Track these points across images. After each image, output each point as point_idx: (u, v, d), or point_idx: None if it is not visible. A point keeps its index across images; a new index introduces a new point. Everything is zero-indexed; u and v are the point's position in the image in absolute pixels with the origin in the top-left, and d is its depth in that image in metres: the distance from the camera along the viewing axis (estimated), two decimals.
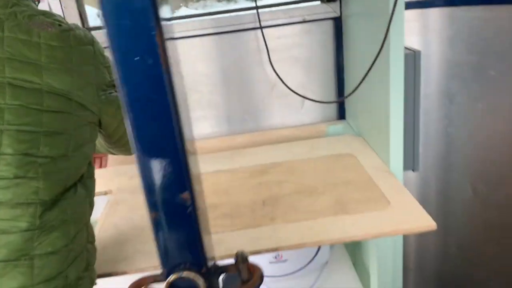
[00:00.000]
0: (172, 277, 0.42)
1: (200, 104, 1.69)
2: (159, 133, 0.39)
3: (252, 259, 0.84)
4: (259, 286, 0.49)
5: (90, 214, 0.82)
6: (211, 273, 0.45)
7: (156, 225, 0.41)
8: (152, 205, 0.41)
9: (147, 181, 0.40)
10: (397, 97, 1.22)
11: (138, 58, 0.35)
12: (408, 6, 1.51)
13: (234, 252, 0.89)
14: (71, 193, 0.73)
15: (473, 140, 1.66)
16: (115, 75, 0.38)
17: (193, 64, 1.63)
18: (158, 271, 0.47)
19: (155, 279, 0.48)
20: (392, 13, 1.11)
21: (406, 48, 1.32)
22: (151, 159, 0.39)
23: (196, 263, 0.43)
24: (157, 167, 0.39)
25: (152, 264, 1.01)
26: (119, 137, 0.90)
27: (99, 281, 0.89)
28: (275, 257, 1.56)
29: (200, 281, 0.42)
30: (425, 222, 1.02)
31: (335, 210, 1.12)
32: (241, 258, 0.50)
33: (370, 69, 1.22)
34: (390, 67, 1.20)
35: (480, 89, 1.58)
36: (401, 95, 1.22)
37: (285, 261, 1.58)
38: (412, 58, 1.28)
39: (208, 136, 1.72)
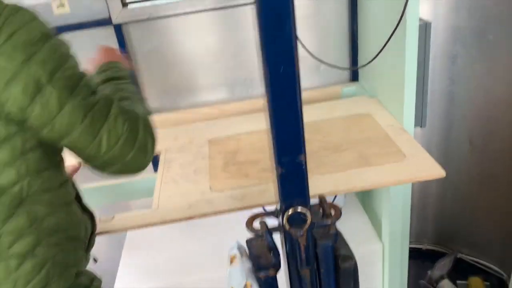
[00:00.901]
0: (290, 211, 0.63)
1: (228, 69, 1.86)
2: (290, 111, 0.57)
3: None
4: (338, 218, 0.70)
5: None
6: (311, 209, 0.66)
7: (281, 177, 0.61)
8: (279, 163, 0.60)
9: (278, 146, 0.60)
10: (411, 64, 1.40)
11: None
12: None
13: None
14: None
15: (472, 98, 1.87)
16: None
17: (221, 36, 1.79)
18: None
19: (266, 214, 0.69)
20: None
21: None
22: (286, 127, 0.58)
23: (305, 203, 0.64)
24: (287, 138, 0.58)
25: (212, 210, 1.22)
26: None
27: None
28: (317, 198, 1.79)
29: (308, 213, 0.63)
30: (436, 171, 1.24)
31: (359, 163, 1.34)
32: (324, 199, 0.71)
33: (388, 40, 1.39)
34: (406, 38, 1.37)
35: (479, 52, 1.78)
36: (414, 62, 1.40)
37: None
38: (424, 29, 1.45)
39: (238, 99, 1.89)
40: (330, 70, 1.91)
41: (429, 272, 2.12)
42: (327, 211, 0.70)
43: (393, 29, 1.34)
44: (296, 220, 0.64)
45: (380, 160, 1.33)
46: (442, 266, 2.14)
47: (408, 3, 1.30)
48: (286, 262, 0.69)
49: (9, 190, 0.73)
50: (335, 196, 1.84)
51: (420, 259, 2.27)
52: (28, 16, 0.73)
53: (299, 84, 0.54)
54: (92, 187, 1.47)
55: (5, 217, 0.73)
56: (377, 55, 1.46)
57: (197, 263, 1.63)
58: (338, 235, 0.73)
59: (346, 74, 1.94)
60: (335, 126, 1.59)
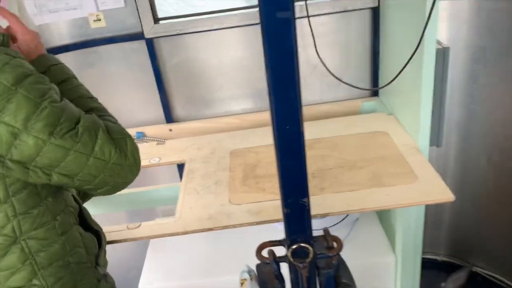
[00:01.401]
0: (294, 246, 0.71)
1: (251, 81, 1.94)
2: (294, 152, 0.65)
3: None
4: (340, 250, 0.77)
5: None
6: (313, 242, 0.74)
7: (286, 216, 0.69)
8: (285, 204, 0.68)
9: (284, 190, 0.67)
10: (427, 87, 1.45)
11: None
12: None
13: None
14: None
15: (491, 116, 1.90)
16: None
17: (245, 51, 1.87)
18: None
19: (276, 244, 0.77)
20: (428, 18, 1.32)
21: (437, 42, 1.52)
22: (292, 176, 0.66)
23: (307, 238, 0.71)
24: (292, 184, 0.66)
25: (229, 223, 1.31)
26: None
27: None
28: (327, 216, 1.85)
29: (310, 249, 0.71)
30: (445, 195, 1.29)
31: (372, 183, 1.40)
32: (327, 232, 0.78)
33: (406, 64, 1.44)
34: (423, 62, 1.42)
35: (501, 71, 1.79)
36: (431, 86, 1.45)
37: (322, 218, 1.88)
38: (442, 53, 1.48)
39: (260, 110, 1.97)
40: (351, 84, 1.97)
41: (443, 284, 2.16)
42: (330, 243, 0.77)
43: (412, 51, 1.39)
44: (300, 254, 0.72)
45: (393, 181, 1.39)
46: (456, 279, 2.18)
47: (427, 27, 1.34)
48: None
49: (1, 231, 0.82)
50: None
51: (435, 270, 2.31)
52: (0, 63, 0.75)
53: (303, 140, 0.62)
54: (120, 193, 1.58)
55: (0, 256, 0.83)
56: (395, 77, 1.51)
57: (214, 267, 1.73)
58: (340, 264, 0.81)
59: (367, 87, 1.99)
60: (351, 143, 1.65)
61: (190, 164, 1.65)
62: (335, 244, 0.78)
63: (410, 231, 1.66)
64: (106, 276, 1.09)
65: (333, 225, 1.90)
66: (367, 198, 1.33)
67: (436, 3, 1.31)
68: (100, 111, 0.93)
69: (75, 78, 0.99)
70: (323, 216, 1.32)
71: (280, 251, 0.80)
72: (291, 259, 0.72)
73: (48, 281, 0.89)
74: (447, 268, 2.27)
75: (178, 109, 1.98)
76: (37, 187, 0.85)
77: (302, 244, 0.71)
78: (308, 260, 0.71)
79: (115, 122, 0.93)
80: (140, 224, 1.36)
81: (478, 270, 2.21)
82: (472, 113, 1.92)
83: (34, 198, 0.85)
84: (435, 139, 1.62)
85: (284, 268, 0.81)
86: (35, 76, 0.78)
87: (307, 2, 1.73)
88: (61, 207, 0.92)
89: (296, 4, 1.78)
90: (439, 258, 2.34)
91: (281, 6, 0.52)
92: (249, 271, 0.81)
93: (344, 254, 1.82)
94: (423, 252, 2.30)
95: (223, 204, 1.39)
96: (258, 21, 1.73)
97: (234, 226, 1.30)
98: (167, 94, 1.94)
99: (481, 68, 1.81)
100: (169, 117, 1.96)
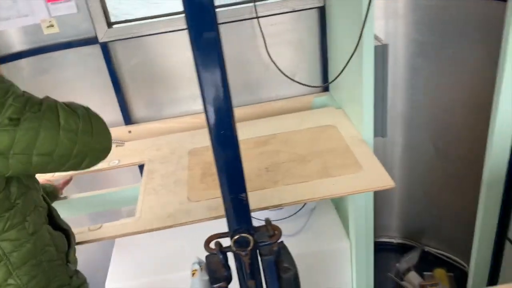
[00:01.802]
0: (236, 236, 0.79)
1: None
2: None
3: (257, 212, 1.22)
4: (279, 237, 0.86)
5: None
6: (253, 232, 0.82)
7: (227, 210, 0.77)
8: (225, 199, 0.76)
9: (223, 187, 0.75)
10: (368, 80, 1.55)
11: None
12: None
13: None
14: None
15: (434, 106, 2.04)
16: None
17: None
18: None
19: (221, 235, 0.85)
20: (366, 17, 1.42)
21: (377, 39, 1.63)
22: (229, 175, 0.74)
23: (247, 228, 0.80)
24: (230, 179, 0.74)
25: (188, 220, 1.38)
26: None
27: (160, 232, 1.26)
28: (280, 207, 1.94)
29: (250, 238, 0.79)
30: (386, 182, 1.41)
31: (321, 174, 1.50)
32: (268, 221, 0.87)
33: (348, 61, 1.55)
34: (363, 58, 1.52)
35: (440, 63, 1.93)
36: (371, 79, 1.55)
37: (281, 209, 1.97)
38: (381, 50, 1.59)
39: None
40: (303, 81, 2.06)
41: (397, 265, 2.30)
42: (271, 232, 0.86)
43: (354, 47, 1.49)
44: (242, 243, 0.80)
45: (340, 171, 1.49)
46: (410, 259, 2.33)
47: (365, 26, 1.45)
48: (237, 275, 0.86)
49: None
50: None
51: (391, 252, 2.45)
52: None
53: (237, 142, 0.70)
54: (82, 196, 1.62)
55: None
56: (339, 74, 1.62)
57: (176, 262, 1.78)
58: (281, 250, 0.89)
59: (318, 83, 2.09)
60: (302, 138, 1.74)
61: (149, 165, 1.70)
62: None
63: (361, 217, 1.77)
64: (77, 272, 1.15)
65: (291, 215, 2.00)
66: (316, 188, 1.43)
67: (372, 2, 1.41)
68: None
69: None
70: (277, 207, 1.41)
71: (227, 242, 0.88)
72: (234, 249, 0.80)
73: (23, 280, 0.94)
74: (402, 250, 2.42)
75: (137, 111, 2.03)
76: (8, 192, 0.90)
77: (243, 234, 0.79)
78: (249, 248, 0.79)
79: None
80: (102, 226, 1.41)
81: (430, 249, 2.37)
82: (415, 104, 2.05)
83: (5, 203, 0.90)
84: (380, 130, 1.73)
85: (232, 257, 0.89)
86: None
87: (256, 3, 1.81)
88: (31, 208, 0.97)
89: (246, 5, 1.86)
90: (394, 240, 2.48)
91: (206, 28, 0.59)
92: (199, 262, 0.89)
93: (301, 242, 1.93)
94: (379, 236, 2.45)
95: (182, 202, 1.46)
96: None
97: (192, 222, 1.37)
98: (125, 96, 1.98)
99: (422, 61, 1.94)
100: (128, 119, 2.00)
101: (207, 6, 0.58)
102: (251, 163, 1.62)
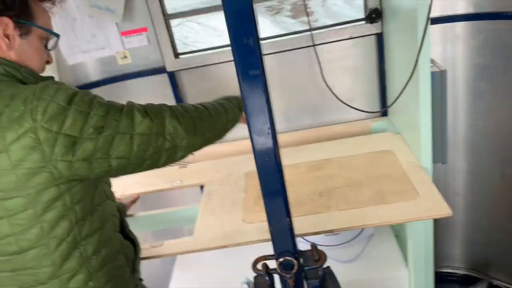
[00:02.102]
0: (281, 259, 0.83)
1: None
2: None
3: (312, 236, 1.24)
4: (324, 262, 0.88)
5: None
6: (299, 256, 0.85)
7: (272, 233, 0.82)
8: (270, 222, 0.81)
9: (268, 212, 0.80)
10: (425, 105, 1.53)
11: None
12: (435, 21, 1.80)
13: (301, 232, 1.30)
14: None
15: (499, 131, 1.95)
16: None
17: None
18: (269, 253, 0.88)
19: (268, 258, 0.89)
20: (422, 43, 1.42)
21: (435, 65, 1.62)
22: (273, 200, 0.79)
23: (292, 252, 0.83)
24: (275, 204, 0.79)
25: (241, 241, 1.43)
26: None
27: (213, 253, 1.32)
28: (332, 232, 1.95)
29: (295, 261, 0.82)
30: (444, 210, 1.37)
31: (376, 200, 1.49)
32: (314, 246, 0.90)
33: (405, 87, 1.55)
34: (419, 83, 1.51)
35: (504, 88, 1.86)
36: (428, 104, 1.53)
37: (337, 234, 1.97)
38: (439, 76, 1.58)
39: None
40: (362, 106, 2.07)
41: None
42: (316, 256, 0.89)
43: (410, 73, 1.49)
44: (287, 266, 0.84)
45: (395, 198, 1.48)
46: None
47: (421, 51, 1.44)
48: None
49: (65, 239, 0.96)
50: None
51: (455, 284, 2.34)
52: (53, 90, 0.89)
53: (281, 168, 0.74)
54: (146, 214, 1.74)
55: (63, 260, 0.97)
56: (396, 100, 1.61)
57: (230, 280, 1.82)
58: (327, 275, 0.92)
59: (376, 108, 2.09)
60: (359, 163, 1.75)
61: (208, 186, 1.79)
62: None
63: (421, 245, 1.72)
64: (141, 280, 1.25)
65: (348, 241, 1.99)
66: (370, 214, 1.43)
67: (428, 27, 1.41)
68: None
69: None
70: (329, 232, 1.42)
71: (275, 264, 0.92)
72: (279, 271, 0.84)
73: (100, 283, 1.03)
74: (467, 282, 2.29)
75: None
76: (92, 196, 0.99)
77: (287, 258, 0.82)
78: (294, 271, 0.83)
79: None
80: (163, 243, 1.51)
81: (498, 283, 2.23)
82: (478, 129, 1.98)
83: (89, 206, 0.99)
84: (440, 156, 1.69)
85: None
86: (81, 93, 0.93)
87: (313, 32, 1.86)
88: (108, 214, 1.06)
89: (303, 34, 1.92)
90: (458, 272, 2.37)
91: (252, 66, 0.66)
92: (248, 282, 0.93)
93: (358, 268, 1.91)
94: (441, 267, 2.35)
95: (237, 223, 1.52)
96: (273, 50, 1.86)
97: (246, 243, 1.43)
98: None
99: (484, 85, 1.88)
100: None
101: (252, 48, 0.64)
102: (305, 187, 1.65)
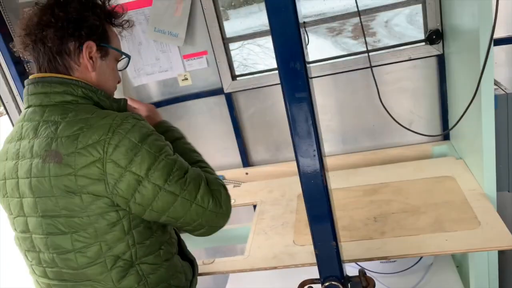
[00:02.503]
0: (326, 283, 0.81)
1: (322, 127, 2.07)
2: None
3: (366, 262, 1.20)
4: None
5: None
6: (345, 281, 0.84)
7: (317, 256, 0.81)
8: (316, 245, 0.80)
9: (314, 235, 0.79)
10: (488, 130, 1.45)
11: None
12: (500, 42, 1.72)
13: (353, 258, 1.28)
14: None
15: None
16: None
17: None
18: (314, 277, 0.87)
19: (314, 281, 0.88)
20: (484, 65, 1.36)
21: (499, 87, 1.54)
22: (319, 223, 0.78)
23: (339, 276, 0.82)
24: (320, 228, 0.78)
25: (291, 263, 1.42)
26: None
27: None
28: (385, 259, 1.88)
29: (341, 287, 0.81)
30: (507, 242, 1.28)
31: (433, 227, 1.43)
32: (362, 272, 0.87)
33: (466, 110, 1.48)
34: (482, 107, 1.44)
35: None
36: (492, 129, 1.45)
37: (394, 261, 1.90)
38: (505, 99, 1.49)
39: (329, 154, 2.08)
40: (422, 129, 2.00)
41: None
42: (364, 283, 0.86)
43: (472, 95, 1.42)
44: None
45: (454, 226, 1.41)
46: None
47: (484, 73, 1.38)
48: None
49: (122, 257, 1.00)
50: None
51: None
52: (130, 125, 0.95)
53: (327, 191, 0.74)
54: None
55: (120, 277, 1.01)
56: (456, 123, 1.54)
57: None
58: None
59: (437, 132, 2.01)
60: (417, 188, 1.68)
61: (261, 206, 1.80)
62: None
63: (484, 279, 1.61)
64: None
65: (406, 269, 1.91)
66: (426, 242, 1.36)
67: (491, 48, 1.35)
68: (202, 163, 1.15)
69: (184, 138, 1.24)
70: (382, 259, 1.38)
71: None
72: None
73: None
74: None
75: (254, 154, 2.17)
76: (150, 222, 1.04)
77: (333, 282, 0.81)
78: None
79: (212, 173, 1.14)
80: (214, 260, 1.53)
81: None
82: None
83: (148, 231, 1.03)
84: (506, 183, 1.59)
85: None
86: (155, 135, 1.00)
87: (372, 54, 1.84)
88: (166, 238, 1.10)
89: (361, 56, 1.91)
90: None
91: (298, 89, 0.67)
92: None
93: None
94: None
95: (288, 245, 1.51)
96: (330, 72, 1.86)
97: (296, 265, 1.41)
98: (244, 140, 2.14)
99: None
100: (246, 162, 2.15)
101: (299, 71, 0.65)
102: (359, 211, 1.61)
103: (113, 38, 1.11)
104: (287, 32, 0.64)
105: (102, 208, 0.95)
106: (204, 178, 1.05)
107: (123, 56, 1.16)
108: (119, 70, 1.17)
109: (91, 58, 1.04)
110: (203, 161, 1.18)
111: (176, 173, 0.99)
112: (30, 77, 1.04)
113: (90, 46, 1.03)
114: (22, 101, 1.70)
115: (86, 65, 1.04)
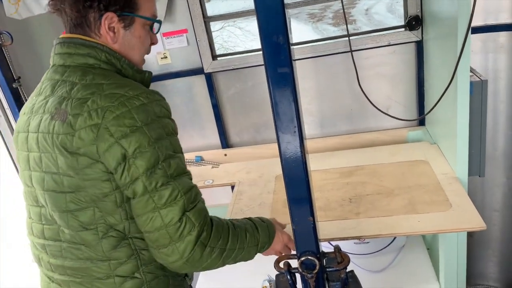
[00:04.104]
0: (302, 258, 0.83)
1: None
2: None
3: (341, 242, 1.23)
4: (347, 265, 0.88)
5: None
6: (321, 256, 0.85)
7: (295, 232, 0.82)
8: (293, 221, 0.81)
9: (292, 210, 0.80)
10: (462, 116, 1.49)
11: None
12: (477, 30, 1.75)
13: (328, 237, 1.30)
14: None
15: None
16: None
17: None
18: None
19: (290, 257, 0.89)
20: (461, 53, 1.39)
21: (475, 74, 1.57)
22: (297, 198, 0.79)
23: (315, 251, 0.83)
24: (298, 203, 0.79)
25: None
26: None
27: None
28: (359, 239, 1.92)
29: (316, 261, 0.82)
30: (477, 223, 1.33)
31: (406, 209, 1.46)
32: (337, 249, 0.89)
33: (442, 96, 1.51)
34: (457, 93, 1.47)
35: None
36: (466, 115, 1.49)
37: (367, 243, 1.94)
38: (480, 85, 1.53)
39: (309, 137, 2.10)
40: (398, 113, 2.03)
41: None
42: (339, 259, 0.88)
43: (448, 81, 1.45)
44: (308, 266, 0.84)
45: (427, 208, 1.45)
46: None
47: (461, 60, 1.41)
48: None
49: (115, 227, 0.98)
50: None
51: None
52: (139, 102, 0.92)
53: (306, 168, 0.75)
54: None
55: (113, 247, 0.99)
56: (432, 108, 1.58)
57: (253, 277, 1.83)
58: (350, 279, 0.91)
59: (414, 117, 2.05)
60: (392, 171, 1.72)
61: (239, 186, 1.81)
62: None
63: (453, 260, 1.67)
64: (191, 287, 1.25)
65: (379, 250, 1.95)
66: (399, 223, 1.40)
67: (468, 36, 1.37)
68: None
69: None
70: (356, 239, 1.41)
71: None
72: (301, 270, 0.84)
73: (147, 277, 1.03)
74: None
75: (233, 136, 2.17)
76: None
77: (309, 257, 0.82)
78: (315, 271, 0.83)
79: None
80: None
81: None
82: None
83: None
84: (477, 169, 1.64)
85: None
86: (164, 122, 0.96)
87: (352, 38, 1.86)
88: None
89: (342, 40, 1.92)
90: None
91: (281, 64, 0.67)
92: (270, 280, 0.94)
93: (387, 279, 1.87)
94: (476, 284, 2.27)
95: None
96: (310, 55, 1.86)
97: None
98: (224, 122, 2.13)
99: None
100: (225, 143, 2.15)
101: (282, 45, 0.65)
102: (335, 193, 1.64)
103: (143, 3, 1.04)
104: (270, 5, 0.64)
105: (97, 174, 0.93)
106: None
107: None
108: (155, 33, 1.12)
109: (111, 29, 1.00)
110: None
111: (159, 171, 0.92)
112: (59, 36, 1.03)
113: (110, 17, 0.99)
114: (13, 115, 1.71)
115: (106, 37, 1.00)
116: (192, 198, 0.96)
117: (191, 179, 0.99)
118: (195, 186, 0.99)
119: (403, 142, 2.03)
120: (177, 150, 0.98)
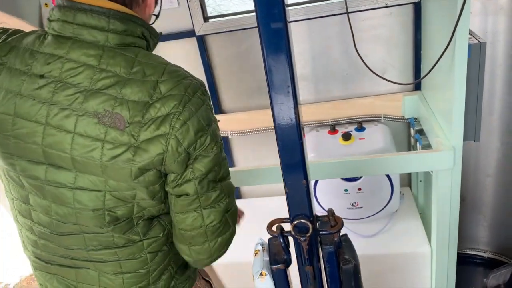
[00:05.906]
0: (295, 221, 0.82)
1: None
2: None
3: (334, 206, 1.23)
4: (341, 229, 0.87)
5: None
6: (314, 220, 0.84)
7: (288, 195, 0.80)
8: (286, 184, 0.80)
9: (285, 172, 0.78)
10: (460, 80, 1.46)
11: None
12: None
13: None
14: None
15: None
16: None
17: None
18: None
19: (283, 220, 0.88)
20: (460, 14, 1.34)
21: (474, 36, 1.53)
22: (291, 161, 0.77)
23: (308, 215, 0.82)
24: (292, 166, 0.77)
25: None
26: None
27: None
28: (352, 204, 1.93)
29: (309, 225, 0.81)
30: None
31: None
32: (331, 212, 0.88)
33: (439, 59, 1.48)
34: (455, 56, 1.44)
35: None
36: (463, 79, 1.46)
37: (360, 208, 1.95)
38: (478, 48, 1.49)
39: (303, 102, 2.07)
40: (394, 78, 2.00)
41: (484, 280, 2.14)
42: (332, 222, 0.88)
43: (446, 44, 1.42)
44: (301, 229, 0.83)
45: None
46: (500, 275, 2.15)
47: (460, 22, 1.37)
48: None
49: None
50: (390, 198, 1.94)
51: (479, 267, 2.29)
52: (201, 101, 0.87)
53: (300, 134, 0.73)
54: None
55: (147, 230, 0.96)
56: (429, 72, 1.55)
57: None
58: (343, 243, 0.90)
59: (410, 81, 2.02)
60: None
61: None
62: None
63: (445, 223, 1.68)
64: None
65: (371, 215, 1.97)
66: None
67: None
68: None
69: None
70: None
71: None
72: (293, 233, 0.83)
73: (173, 250, 1.01)
74: (492, 266, 2.24)
75: (227, 101, 2.13)
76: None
77: (302, 220, 0.81)
78: (308, 234, 0.82)
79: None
80: None
81: None
82: None
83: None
84: (472, 133, 1.63)
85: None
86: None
87: None
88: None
89: (337, 1, 1.86)
90: (484, 255, 2.31)
91: (274, 18, 0.63)
92: (262, 244, 0.93)
93: (380, 243, 1.89)
94: (467, 248, 2.30)
95: None
96: (304, 16, 1.80)
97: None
98: (216, 87, 2.09)
99: None
100: (217, 109, 2.11)
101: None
102: None
103: None
104: None
105: (152, 177, 0.87)
106: (231, 203, 0.96)
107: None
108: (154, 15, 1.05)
109: None
110: None
111: (212, 174, 0.89)
112: None
113: None
114: None
115: (151, 4, 0.94)
116: (233, 200, 0.97)
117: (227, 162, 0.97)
118: (234, 188, 0.99)
119: (398, 108, 2.00)
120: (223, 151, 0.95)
